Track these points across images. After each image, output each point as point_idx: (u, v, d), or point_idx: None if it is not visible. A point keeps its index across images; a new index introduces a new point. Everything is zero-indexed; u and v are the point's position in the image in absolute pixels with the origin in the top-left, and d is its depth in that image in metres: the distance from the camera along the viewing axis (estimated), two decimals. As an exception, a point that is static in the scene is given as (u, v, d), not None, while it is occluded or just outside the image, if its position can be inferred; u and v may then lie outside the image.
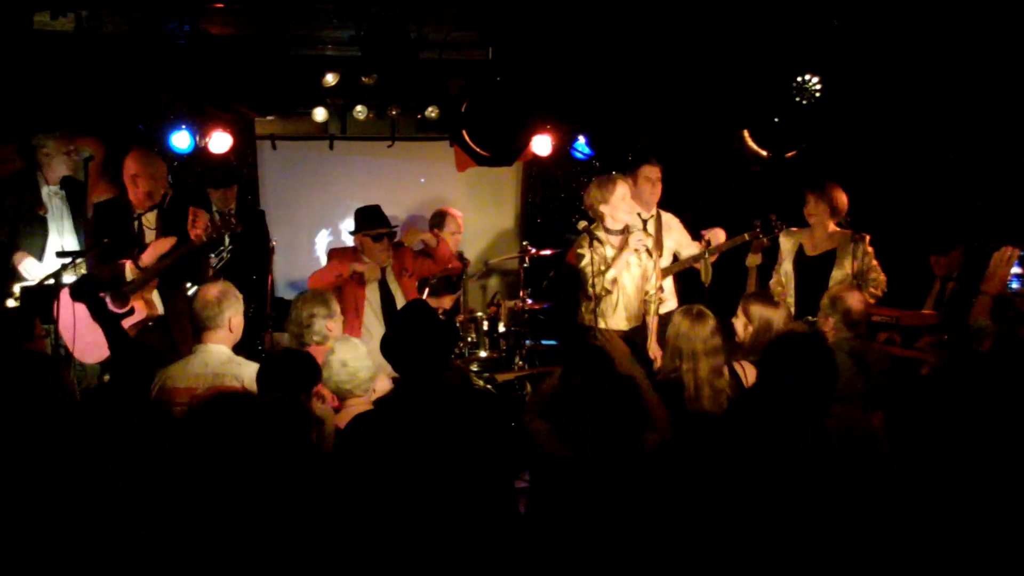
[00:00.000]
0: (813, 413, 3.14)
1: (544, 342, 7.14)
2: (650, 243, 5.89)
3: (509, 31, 6.46)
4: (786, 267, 6.03)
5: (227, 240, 6.51)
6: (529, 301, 7.03)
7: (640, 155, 6.65)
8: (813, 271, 5.91)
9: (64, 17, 5.57)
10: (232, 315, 4.35)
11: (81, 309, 4.38)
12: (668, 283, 6.48)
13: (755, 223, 6.18)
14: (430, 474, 3.10)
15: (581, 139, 7.29)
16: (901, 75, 6.52)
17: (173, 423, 4.07)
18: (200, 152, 6.41)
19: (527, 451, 3.80)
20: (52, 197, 5.80)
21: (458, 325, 6.85)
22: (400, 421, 3.22)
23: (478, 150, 6.49)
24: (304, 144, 7.73)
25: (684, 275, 6.55)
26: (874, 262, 5.83)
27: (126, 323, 5.49)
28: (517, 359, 6.90)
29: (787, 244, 6.07)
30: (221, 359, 4.26)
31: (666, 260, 6.45)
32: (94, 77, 5.95)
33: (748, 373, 4.33)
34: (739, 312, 4.79)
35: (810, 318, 5.48)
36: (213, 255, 6.57)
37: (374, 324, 6.02)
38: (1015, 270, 5.31)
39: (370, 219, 6.20)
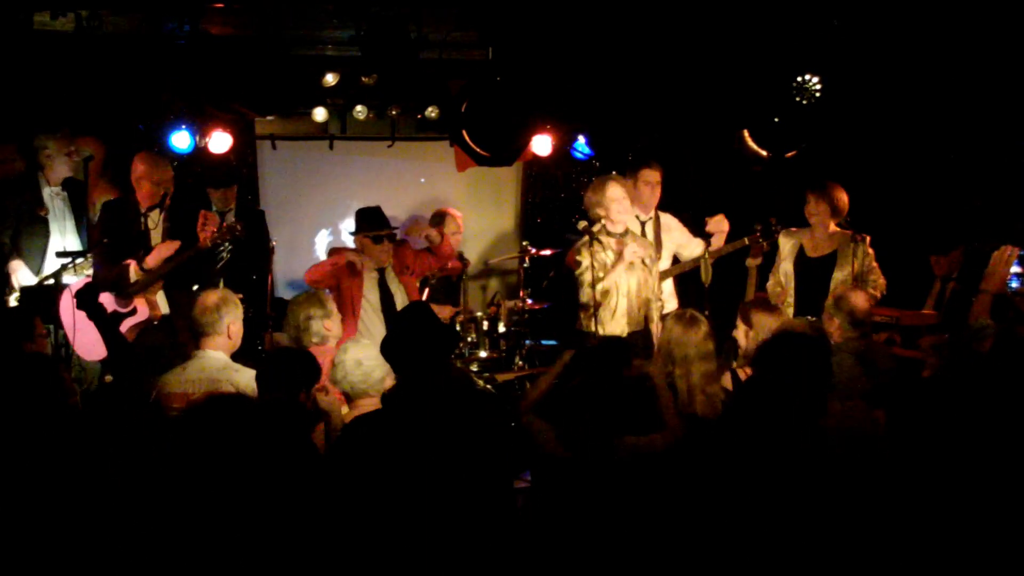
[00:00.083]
0: (809, 412, 3.13)
1: (544, 342, 7.14)
2: (644, 254, 5.86)
3: (509, 31, 6.46)
4: (786, 267, 6.02)
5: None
6: (529, 301, 7.02)
7: (640, 158, 6.65)
8: (814, 272, 5.90)
9: (64, 17, 5.57)
10: (231, 322, 4.35)
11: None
12: (668, 284, 6.48)
13: (755, 227, 6.18)
14: (429, 474, 3.10)
15: (581, 139, 7.29)
16: (901, 75, 6.52)
17: (169, 426, 4.08)
18: (200, 152, 6.41)
19: (527, 451, 3.80)
20: (54, 198, 5.81)
21: (458, 325, 6.86)
22: (399, 421, 3.22)
23: (478, 150, 6.49)
24: (304, 144, 7.72)
25: (684, 276, 6.55)
26: (874, 264, 5.83)
27: (130, 323, 5.52)
28: (517, 359, 6.90)
29: (787, 244, 6.05)
30: (218, 365, 4.27)
31: (667, 261, 6.45)
32: (94, 77, 5.96)
33: None
34: (739, 322, 4.77)
35: (811, 318, 5.48)
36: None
37: (375, 323, 6.03)
38: (1015, 269, 5.32)
39: (370, 220, 6.21)
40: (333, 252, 6.38)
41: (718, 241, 6.34)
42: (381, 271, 6.25)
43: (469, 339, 6.83)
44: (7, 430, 3.03)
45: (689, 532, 2.98)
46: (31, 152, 5.89)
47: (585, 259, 5.75)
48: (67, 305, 4.78)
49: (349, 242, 6.55)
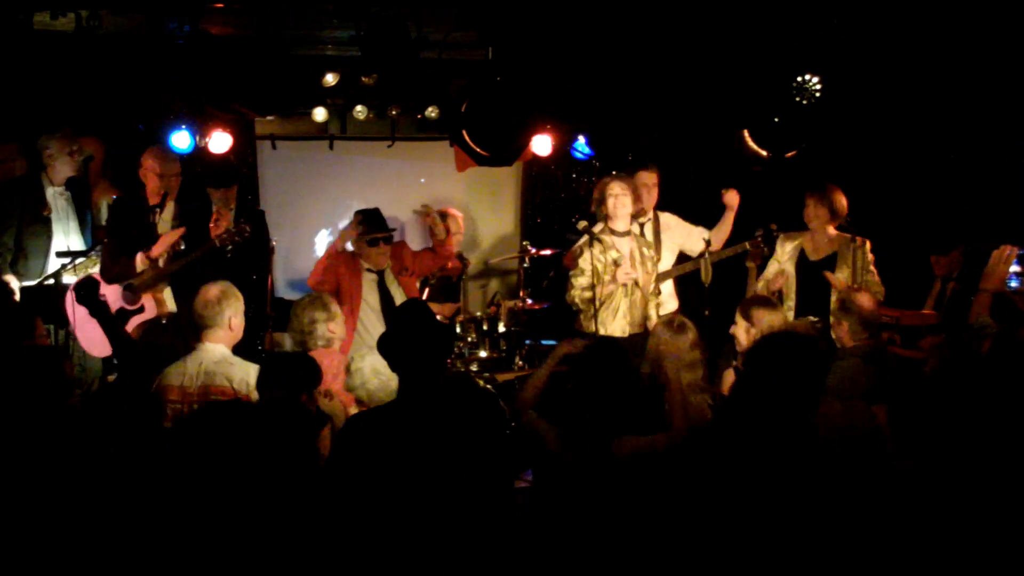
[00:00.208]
0: (800, 411, 3.12)
1: (544, 342, 7.14)
2: (638, 275, 5.86)
3: (509, 31, 6.46)
4: (788, 269, 6.00)
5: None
6: (529, 301, 7.03)
7: (636, 160, 6.66)
8: (814, 275, 5.89)
9: (64, 17, 5.56)
10: (232, 315, 4.35)
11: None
12: (668, 284, 6.48)
13: (756, 233, 6.19)
14: (427, 474, 3.10)
15: (581, 139, 7.29)
16: (901, 75, 6.51)
17: (164, 426, 4.09)
18: (200, 152, 6.41)
19: (528, 451, 3.80)
20: (57, 198, 5.81)
21: (458, 326, 6.86)
22: (397, 421, 3.22)
23: (478, 150, 6.49)
24: (304, 144, 7.73)
25: (685, 276, 6.56)
26: (872, 268, 5.81)
27: (137, 320, 5.55)
28: (517, 359, 6.90)
29: (788, 247, 6.03)
30: (215, 358, 4.26)
31: (667, 261, 6.45)
32: (94, 77, 5.96)
33: None
34: (739, 319, 4.75)
35: (811, 318, 5.48)
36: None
37: (375, 325, 6.04)
38: (1014, 268, 5.32)
39: (368, 223, 6.22)
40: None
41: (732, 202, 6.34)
42: (380, 273, 6.26)
43: (469, 339, 6.83)
44: (7, 424, 3.03)
45: (684, 532, 2.98)
46: (34, 152, 5.90)
47: (584, 263, 5.75)
48: (72, 301, 4.81)
49: (348, 242, 6.56)
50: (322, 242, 8.12)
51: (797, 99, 6.48)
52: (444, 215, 7.23)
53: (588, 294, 5.73)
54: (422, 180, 8.21)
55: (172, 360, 4.35)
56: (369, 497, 3.09)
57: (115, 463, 3.15)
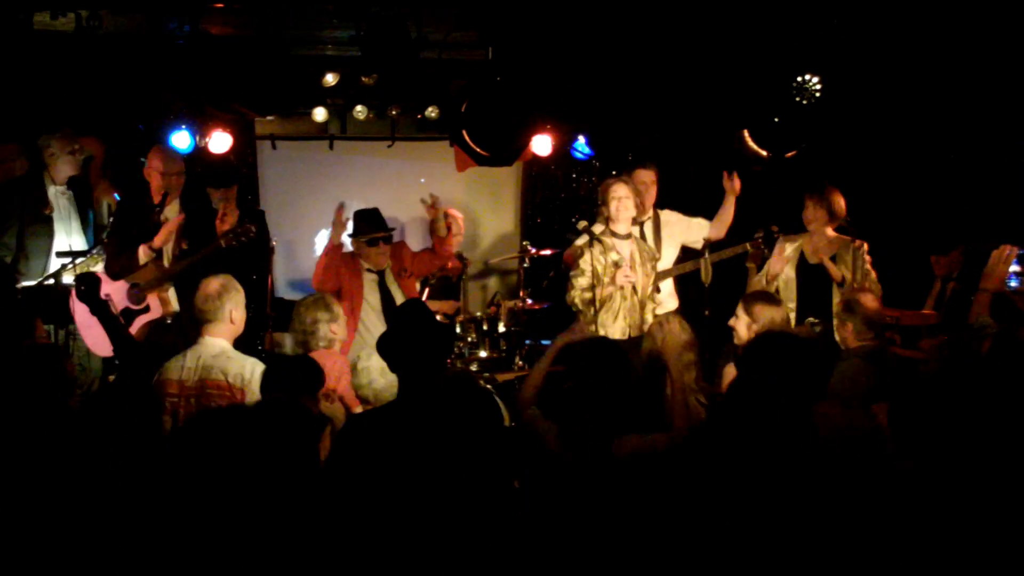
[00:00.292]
0: (795, 412, 3.12)
1: (544, 342, 7.13)
2: (640, 278, 5.86)
3: (509, 31, 6.46)
4: (788, 272, 5.99)
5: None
6: (529, 301, 7.03)
7: (635, 158, 6.67)
8: (814, 277, 5.89)
9: (64, 17, 5.57)
10: (233, 308, 4.35)
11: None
12: (668, 284, 6.48)
13: (757, 234, 6.19)
14: (427, 474, 3.10)
15: (581, 139, 7.29)
16: (901, 75, 6.51)
17: (163, 419, 4.10)
18: (200, 152, 6.42)
19: (528, 450, 3.79)
20: (59, 197, 5.82)
21: (458, 326, 6.86)
22: (396, 421, 3.22)
23: (478, 150, 6.49)
24: (304, 144, 7.73)
25: (684, 276, 6.55)
26: (870, 270, 5.81)
27: (143, 320, 5.56)
28: (517, 359, 6.90)
29: (788, 249, 6.01)
30: (213, 352, 4.26)
31: (670, 255, 6.46)
32: (94, 77, 5.97)
33: None
34: (740, 313, 4.74)
35: (811, 319, 5.48)
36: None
37: (376, 325, 6.05)
38: (1014, 268, 5.32)
39: (367, 223, 6.23)
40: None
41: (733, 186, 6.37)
42: (381, 273, 6.27)
43: (469, 339, 6.83)
44: (7, 423, 3.03)
45: (682, 532, 2.98)
46: (35, 152, 5.91)
47: (585, 263, 5.75)
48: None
49: (347, 243, 6.57)
50: (322, 242, 8.11)
51: (797, 99, 6.48)
52: (444, 215, 7.23)
53: (588, 295, 5.73)
54: (422, 180, 8.21)
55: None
56: (369, 498, 3.09)
57: (114, 463, 3.15)
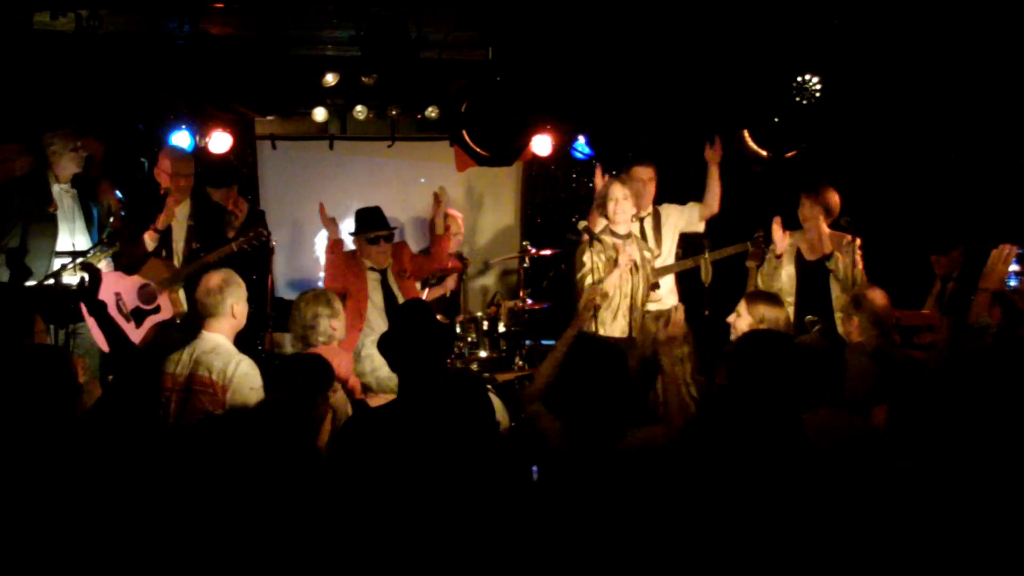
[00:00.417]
0: (782, 410, 3.11)
1: (544, 342, 7.14)
2: (640, 255, 5.86)
3: (509, 31, 6.46)
4: (789, 270, 6.00)
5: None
6: (529, 301, 7.02)
7: (635, 158, 6.68)
8: (812, 274, 5.90)
9: (64, 17, 5.57)
10: (234, 302, 4.35)
11: (104, 298, 4.44)
12: (669, 280, 6.49)
13: (757, 233, 6.19)
14: (427, 474, 3.10)
15: (581, 139, 7.30)
16: (901, 75, 6.51)
17: (160, 418, 4.12)
18: (200, 152, 6.43)
19: (530, 448, 3.79)
20: (63, 195, 5.82)
21: (458, 325, 6.86)
22: (396, 421, 3.22)
23: (478, 150, 6.50)
24: (304, 144, 7.73)
25: (685, 274, 6.56)
26: (858, 260, 5.82)
27: (153, 320, 5.58)
28: (517, 359, 6.90)
29: (788, 239, 6.04)
30: (206, 348, 4.25)
31: (670, 256, 6.46)
32: (94, 77, 5.96)
33: None
34: (743, 311, 4.74)
35: (809, 317, 5.47)
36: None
37: (379, 323, 6.06)
38: (1013, 267, 5.32)
39: (368, 222, 6.24)
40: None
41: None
42: (383, 271, 6.28)
43: (469, 339, 6.83)
44: (12, 423, 3.03)
45: (679, 528, 2.97)
46: (39, 150, 5.91)
47: (586, 265, 5.75)
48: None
49: (348, 242, 6.57)
50: (322, 242, 8.12)
51: (797, 99, 6.48)
52: (444, 215, 7.23)
53: (603, 287, 5.74)
54: (422, 180, 8.22)
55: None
56: (368, 498, 3.09)
57: (114, 463, 3.15)
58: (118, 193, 6.07)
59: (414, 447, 3.13)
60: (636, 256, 5.81)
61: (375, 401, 4.22)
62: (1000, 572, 2.66)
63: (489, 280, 8.31)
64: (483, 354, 6.80)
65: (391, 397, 4.16)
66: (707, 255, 6.04)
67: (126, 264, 5.75)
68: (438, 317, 4.06)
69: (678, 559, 2.94)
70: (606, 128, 7.23)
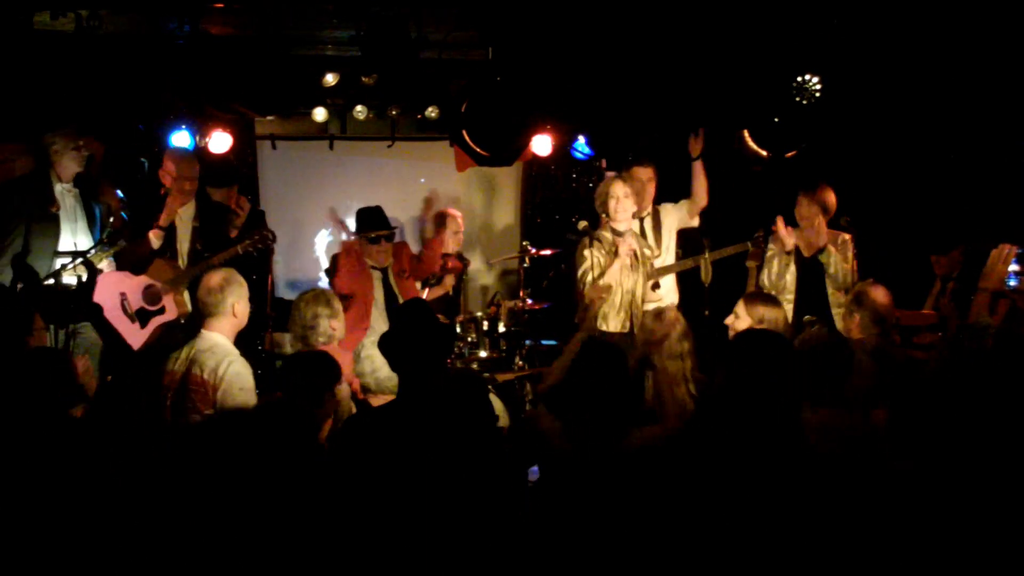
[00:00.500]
0: (779, 409, 3.11)
1: (544, 342, 7.14)
2: (639, 249, 5.87)
3: (509, 31, 6.46)
4: (791, 269, 6.00)
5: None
6: (529, 301, 7.03)
7: (635, 158, 6.69)
8: (810, 273, 5.90)
9: (64, 17, 5.57)
10: (235, 301, 4.35)
11: (109, 298, 4.44)
12: (669, 280, 6.49)
13: (757, 233, 6.20)
14: (428, 474, 3.10)
15: (581, 139, 7.30)
16: (901, 75, 6.51)
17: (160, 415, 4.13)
18: (200, 152, 6.43)
19: (531, 449, 3.79)
20: (65, 195, 5.82)
21: (458, 325, 6.87)
22: (396, 421, 3.22)
23: (478, 150, 6.50)
24: (304, 144, 7.73)
25: (685, 274, 6.57)
26: (851, 257, 5.82)
27: (158, 321, 5.59)
28: (517, 359, 6.90)
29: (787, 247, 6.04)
30: (203, 346, 4.26)
31: (671, 256, 6.47)
32: (94, 77, 5.96)
33: None
34: (741, 313, 4.74)
35: (808, 317, 5.48)
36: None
37: (380, 323, 6.08)
38: (1013, 267, 5.32)
39: (369, 221, 6.25)
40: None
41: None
42: (384, 271, 6.30)
43: (469, 339, 6.83)
44: (12, 425, 3.03)
45: (678, 528, 2.98)
46: (40, 150, 5.91)
47: (587, 260, 5.76)
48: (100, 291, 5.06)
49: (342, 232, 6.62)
50: (322, 242, 8.13)
51: (797, 99, 6.48)
52: (443, 216, 7.24)
53: (603, 282, 5.75)
54: (422, 180, 8.22)
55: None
56: (369, 498, 3.09)
57: (113, 463, 3.15)
58: (119, 193, 6.08)
59: (414, 447, 3.13)
60: (636, 246, 5.83)
61: (375, 402, 4.22)
62: (1000, 572, 2.66)
63: (489, 280, 8.31)
64: (483, 354, 6.80)
65: (391, 398, 4.16)
66: (707, 255, 6.05)
67: (132, 263, 5.75)
68: (438, 317, 4.05)
69: (678, 559, 2.93)
70: (606, 128, 7.22)
